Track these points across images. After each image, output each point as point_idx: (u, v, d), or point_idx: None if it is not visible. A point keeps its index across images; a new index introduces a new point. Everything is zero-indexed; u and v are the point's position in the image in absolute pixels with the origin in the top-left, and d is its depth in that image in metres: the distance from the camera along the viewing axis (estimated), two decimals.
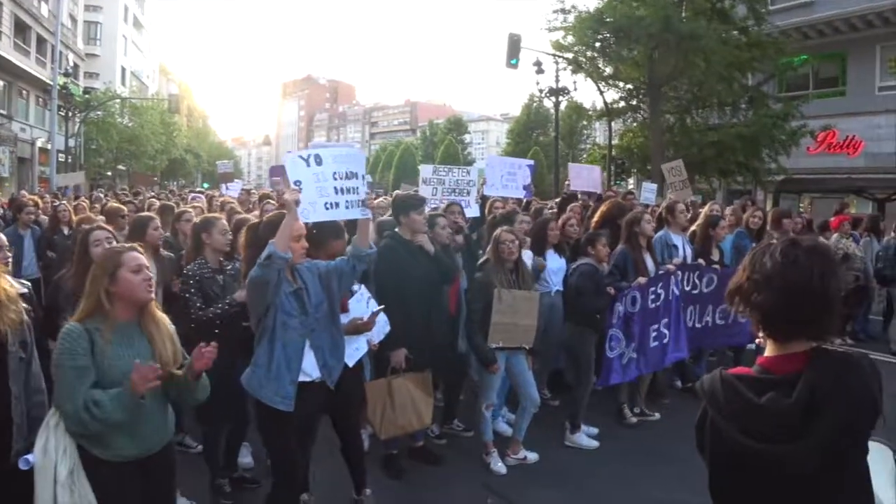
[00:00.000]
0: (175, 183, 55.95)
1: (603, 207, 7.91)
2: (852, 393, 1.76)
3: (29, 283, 4.33)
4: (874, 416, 1.82)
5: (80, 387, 2.87)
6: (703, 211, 8.20)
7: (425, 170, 8.38)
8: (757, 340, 2.05)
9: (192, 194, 15.84)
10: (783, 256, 1.86)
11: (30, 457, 2.91)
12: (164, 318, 3.24)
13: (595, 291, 5.96)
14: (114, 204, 9.66)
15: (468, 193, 8.17)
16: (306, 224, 3.98)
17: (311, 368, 3.93)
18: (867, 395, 1.79)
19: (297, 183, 3.85)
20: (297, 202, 3.72)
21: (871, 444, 1.98)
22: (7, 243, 4.23)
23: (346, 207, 4.06)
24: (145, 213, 6.37)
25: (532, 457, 5.67)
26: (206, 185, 43.93)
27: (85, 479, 2.91)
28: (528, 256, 6.17)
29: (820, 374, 1.78)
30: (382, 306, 4.64)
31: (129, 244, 3.34)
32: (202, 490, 4.95)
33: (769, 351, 1.96)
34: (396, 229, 5.47)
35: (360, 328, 4.53)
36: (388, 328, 4.79)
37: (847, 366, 1.81)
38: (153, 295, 3.15)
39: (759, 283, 1.88)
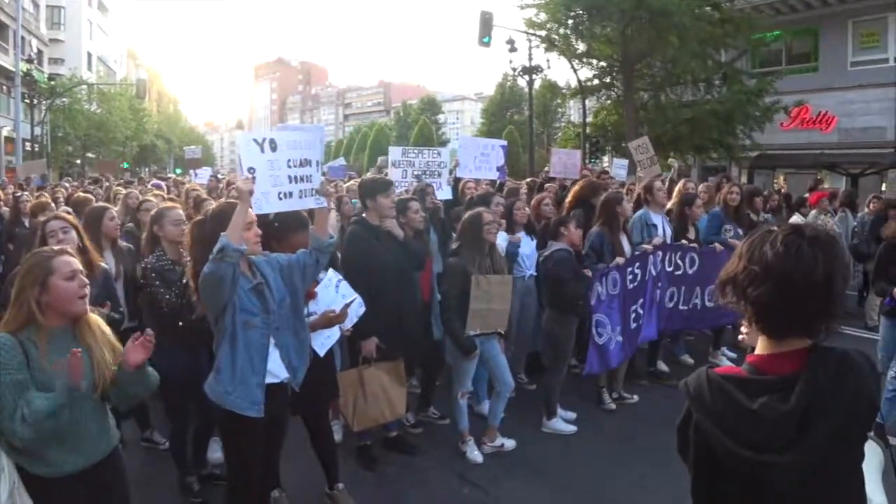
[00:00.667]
0: (146, 169, 55.06)
1: (576, 187, 7.79)
2: (850, 398, 1.67)
3: None
4: (871, 420, 1.76)
5: (19, 401, 2.65)
6: (677, 188, 8.09)
7: (394, 152, 8.19)
8: (740, 337, 1.91)
9: (154, 181, 15.38)
10: (785, 247, 1.70)
11: None
12: (98, 322, 3.01)
13: (574, 278, 5.84)
14: (81, 194, 9.37)
15: (439, 175, 8.00)
16: (267, 216, 3.78)
17: (277, 369, 3.69)
18: (866, 399, 1.70)
19: (251, 170, 3.60)
20: (250, 192, 3.47)
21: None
22: None
23: (301, 197, 3.85)
24: (100, 204, 6.13)
25: (509, 444, 5.56)
26: (178, 171, 43.17)
27: (28, 499, 2.74)
28: (502, 238, 6.02)
29: (818, 378, 1.66)
30: (355, 297, 4.46)
31: (59, 248, 3.07)
32: (171, 487, 4.82)
33: (761, 348, 1.82)
34: (363, 214, 5.29)
35: (332, 320, 4.30)
36: (361, 310, 4.54)
37: (845, 368, 1.69)
38: (87, 307, 2.90)
39: (758, 275, 1.72)
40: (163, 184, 13.49)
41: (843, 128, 22.15)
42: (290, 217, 4.10)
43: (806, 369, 1.68)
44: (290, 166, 3.80)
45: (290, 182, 3.79)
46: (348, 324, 4.45)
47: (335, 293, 4.44)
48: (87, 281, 2.91)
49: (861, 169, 20.82)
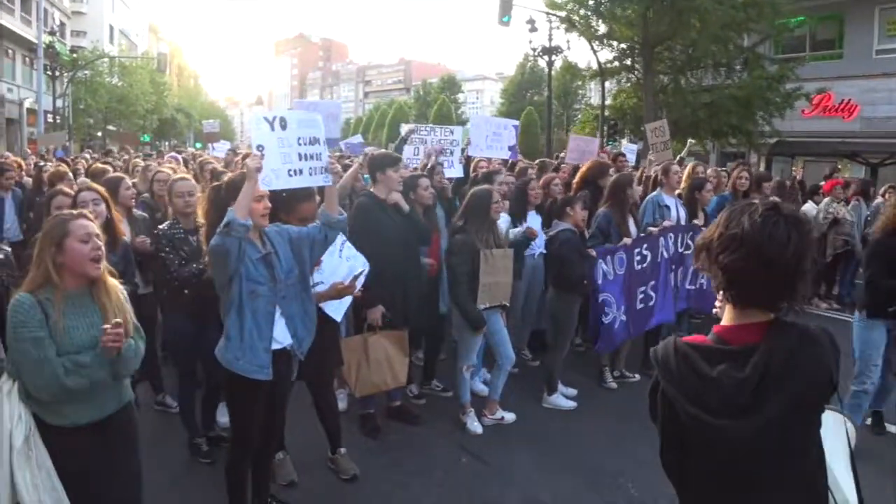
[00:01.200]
0: (166, 143, 55.45)
1: (583, 168, 7.84)
2: (807, 369, 1.74)
3: (8, 249, 4.30)
4: (828, 392, 1.81)
5: (48, 355, 2.82)
6: (686, 172, 8.11)
7: (407, 129, 8.26)
8: (714, 310, 1.98)
9: (171, 153, 15.52)
10: (762, 219, 1.78)
11: None
12: (115, 286, 3.14)
13: (579, 258, 5.92)
14: (98, 165, 9.54)
15: (451, 153, 8.06)
16: (218, 185, 3.90)
17: (282, 336, 3.83)
18: (822, 372, 1.77)
19: (260, 148, 3.70)
20: (258, 169, 3.57)
21: (825, 413, 1.95)
22: None
23: (310, 174, 3.93)
24: (116, 174, 6.28)
25: (509, 417, 5.69)
26: (198, 145, 43.47)
27: (42, 445, 2.89)
28: (503, 220, 6.11)
29: (775, 349, 1.75)
30: (363, 269, 4.58)
31: (78, 212, 3.19)
32: (182, 448, 5.02)
33: (726, 319, 1.91)
34: (372, 188, 5.40)
35: (341, 292, 4.43)
36: (367, 269, 4.63)
37: (804, 340, 1.78)
38: (100, 270, 3.01)
39: (732, 242, 1.80)
40: (179, 156, 13.62)
41: (866, 116, 21.88)
42: (297, 188, 4.21)
43: (764, 341, 1.78)
44: (300, 144, 3.89)
45: (301, 159, 3.88)
46: (359, 285, 4.55)
47: (339, 257, 4.56)
48: (100, 245, 3.01)
49: (881, 158, 20.61)
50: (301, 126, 3.91)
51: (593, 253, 6.05)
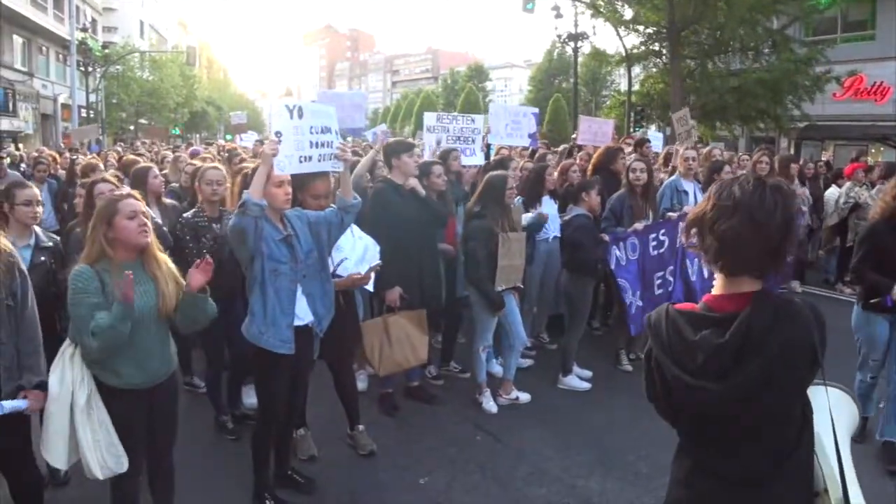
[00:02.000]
0: (197, 136, 56.20)
1: (595, 154, 7.90)
2: (785, 338, 1.80)
3: (57, 237, 4.55)
4: (810, 365, 1.85)
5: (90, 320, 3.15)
6: (703, 154, 8.13)
7: (429, 118, 8.39)
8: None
9: (192, 148, 15.71)
10: (752, 188, 1.88)
11: (5, 403, 3.17)
12: (165, 258, 3.48)
13: (593, 243, 6.02)
14: (130, 156, 9.87)
15: (473, 141, 8.18)
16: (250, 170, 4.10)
17: (303, 313, 4.06)
18: (801, 343, 1.81)
19: (278, 134, 3.91)
20: (273, 153, 3.79)
21: (832, 389, 2.03)
22: (39, 198, 4.38)
23: (319, 160, 4.14)
24: (145, 164, 6.51)
25: (524, 397, 5.83)
26: (228, 137, 44.07)
27: (101, 404, 3.25)
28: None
29: (755, 317, 1.82)
30: (378, 263, 4.79)
31: (126, 192, 3.52)
32: (209, 425, 5.27)
33: (717, 289, 1.99)
34: (388, 174, 5.57)
35: (356, 282, 4.68)
36: (377, 249, 4.92)
37: (785, 311, 1.84)
38: (148, 239, 3.33)
39: (726, 209, 1.88)
40: (201, 150, 13.87)
41: None
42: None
43: (746, 309, 1.84)
44: (312, 132, 4.09)
45: (311, 147, 4.08)
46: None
47: (351, 236, 4.77)
48: (145, 221, 3.33)
49: None
50: (314, 116, 4.12)
51: (606, 238, 6.13)
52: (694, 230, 1.99)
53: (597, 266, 6.09)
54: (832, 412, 2.01)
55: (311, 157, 4.08)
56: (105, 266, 3.24)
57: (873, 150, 21.47)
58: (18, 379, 3.26)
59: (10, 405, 3.17)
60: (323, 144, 4.12)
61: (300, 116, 4.04)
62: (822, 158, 19.38)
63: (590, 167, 7.60)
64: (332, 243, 4.29)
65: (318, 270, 4.15)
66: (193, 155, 10.58)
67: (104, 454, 3.22)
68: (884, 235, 4.76)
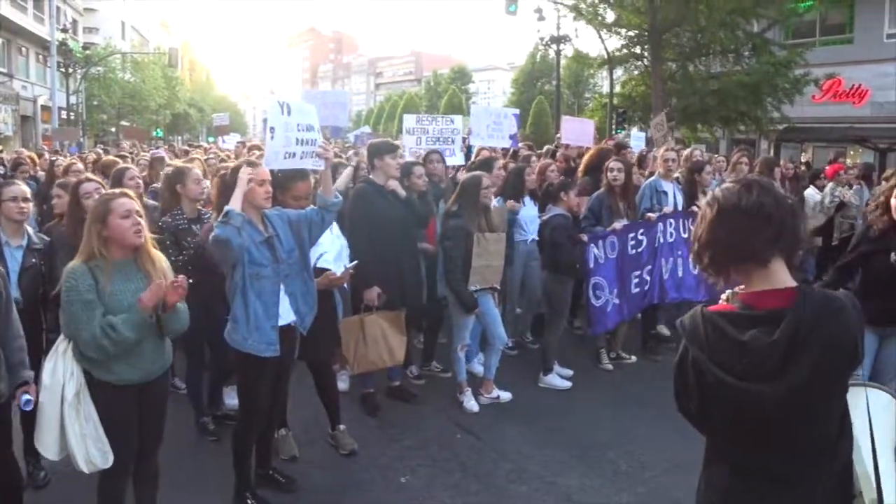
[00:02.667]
0: (179, 138, 55.87)
1: (586, 156, 7.97)
2: (831, 335, 1.79)
3: (47, 238, 4.52)
4: (852, 362, 1.85)
5: (92, 316, 3.20)
6: (684, 155, 8.22)
7: (409, 119, 8.44)
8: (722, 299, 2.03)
9: (153, 151, 15.22)
10: (734, 184, 1.93)
11: (24, 398, 3.31)
12: (159, 256, 3.53)
13: (570, 243, 6.08)
14: (110, 157, 9.82)
15: (452, 142, 8.23)
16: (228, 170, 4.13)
17: (285, 313, 4.08)
18: (846, 339, 1.81)
19: (272, 130, 3.98)
20: (251, 179, 3.82)
21: (873, 391, 2.05)
22: (28, 195, 4.36)
23: (301, 157, 4.19)
24: (122, 165, 6.47)
25: (505, 396, 5.87)
26: (211, 139, 43.85)
27: (90, 399, 3.29)
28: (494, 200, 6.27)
29: (803, 314, 1.80)
30: (355, 262, 4.85)
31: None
32: (190, 426, 5.25)
33: (749, 285, 1.95)
34: (371, 175, 5.59)
35: (333, 283, 4.72)
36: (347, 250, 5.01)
37: (830, 307, 1.82)
38: (142, 239, 3.37)
39: (726, 207, 1.90)
40: (161, 151, 13.57)
41: (877, 101, 21.74)
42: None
43: (793, 305, 1.82)
44: (298, 129, 4.13)
45: (296, 144, 4.13)
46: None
47: (330, 233, 4.80)
48: (139, 220, 3.35)
49: (890, 143, 20.48)
50: (300, 113, 4.19)
51: (584, 238, 6.18)
52: (708, 252, 1.96)
53: (575, 265, 6.14)
54: (871, 414, 2.00)
55: (294, 154, 4.13)
56: (99, 264, 3.28)
57: (852, 152, 21.74)
58: (12, 377, 3.34)
59: (25, 399, 3.33)
60: (306, 142, 4.18)
61: (289, 113, 4.11)
62: (802, 160, 19.68)
63: (581, 168, 7.68)
64: (313, 241, 4.30)
65: (300, 269, 4.17)
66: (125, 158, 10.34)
67: (90, 448, 3.26)
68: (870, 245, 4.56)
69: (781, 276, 1.90)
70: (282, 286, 4.03)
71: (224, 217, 3.68)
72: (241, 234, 3.75)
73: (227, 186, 4.03)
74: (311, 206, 4.30)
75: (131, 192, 3.52)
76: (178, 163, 7.02)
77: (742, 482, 1.98)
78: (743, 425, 1.93)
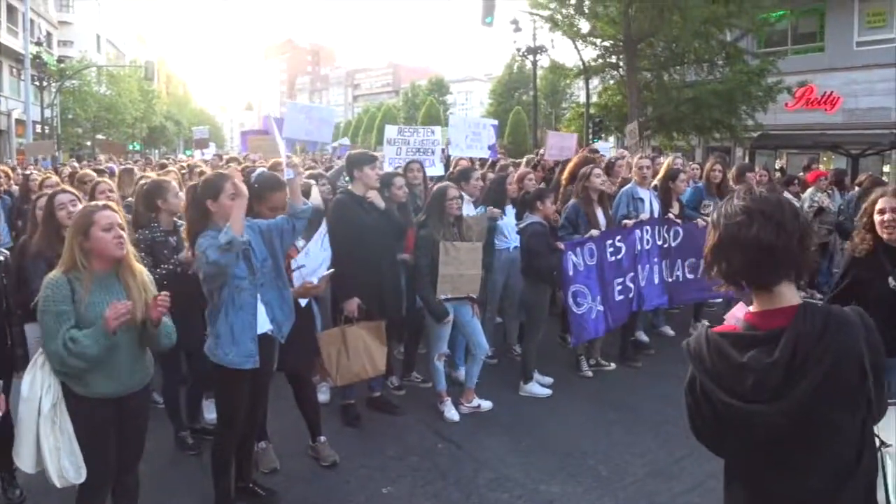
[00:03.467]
0: (156, 151, 55.54)
1: (570, 164, 8.03)
2: (836, 351, 1.75)
3: (7, 252, 4.48)
4: (859, 377, 1.77)
5: (60, 329, 3.18)
6: (664, 163, 8.32)
7: (390, 130, 8.47)
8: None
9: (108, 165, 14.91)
10: (752, 195, 1.89)
11: None
12: (140, 269, 3.51)
13: (548, 250, 6.11)
14: (83, 171, 9.71)
15: (433, 153, 8.28)
16: (248, 179, 4.12)
17: (262, 322, 4.06)
18: (851, 354, 1.76)
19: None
20: (247, 196, 3.83)
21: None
22: None
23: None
24: (97, 179, 6.43)
25: (486, 405, 5.88)
26: (188, 153, 43.58)
27: (66, 413, 3.27)
28: (469, 210, 6.30)
29: (803, 331, 1.77)
30: (332, 270, 4.86)
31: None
32: (169, 441, 5.20)
33: (755, 306, 1.93)
34: (350, 186, 5.60)
35: (309, 291, 4.72)
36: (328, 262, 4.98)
37: (833, 322, 1.78)
38: (124, 251, 3.34)
39: (743, 222, 1.85)
40: (114, 167, 13.32)
41: (848, 108, 22.09)
42: (266, 178, 4.51)
43: (792, 324, 1.79)
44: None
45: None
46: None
47: (320, 247, 4.84)
48: (121, 232, 3.33)
49: (862, 149, 20.82)
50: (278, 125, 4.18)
51: (562, 246, 6.21)
52: (714, 268, 1.95)
53: (552, 273, 6.16)
54: None
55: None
56: (78, 275, 3.27)
57: (825, 158, 22.07)
58: None
59: None
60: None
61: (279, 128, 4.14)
62: (777, 166, 19.96)
63: (565, 176, 7.73)
64: (285, 250, 4.30)
65: (274, 278, 4.16)
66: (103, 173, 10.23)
67: (63, 462, 3.23)
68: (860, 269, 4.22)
69: (787, 296, 1.88)
70: (258, 296, 4.03)
71: (227, 244, 3.61)
72: (239, 257, 3.78)
73: (196, 199, 4.00)
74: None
75: (114, 205, 3.50)
76: (154, 175, 6.98)
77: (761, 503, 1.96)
78: (756, 447, 1.91)
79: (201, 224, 3.89)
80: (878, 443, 1.96)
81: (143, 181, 6.64)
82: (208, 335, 4.04)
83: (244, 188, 3.82)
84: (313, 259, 4.76)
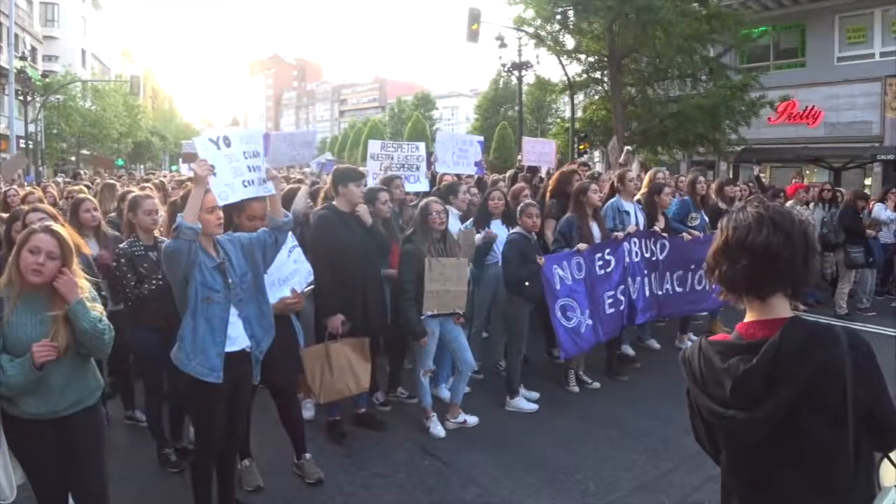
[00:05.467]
0: (142, 166, 55.29)
1: (552, 180, 8.07)
2: (815, 366, 1.75)
3: None
4: (840, 395, 1.74)
5: None
6: (647, 177, 8.38)
7: (373, 145, 8.47)
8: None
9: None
10: (766, 206, 1.90)
11: None
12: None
13: (519, 260, 6.07)
14: (74, 188, 9.68)
15: (417, 168, 8.28)
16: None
17: (240, 338, 4.03)
18: (832, 371, 1.74)
19: (205, 160, 3.89)
20: (206, 173, 3.78)
21: None
22: None
23: (259, 183, 4.18)
24: (79, 196, 6.37)
25: (472, 420, 5.84)
26: (174, 168, 43.40)
27: (1, 432, 3.23)
28: (455, 227, 6.29)
29: (785, 342, 1.78)
30: (312, 286, 4.88)
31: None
32: (152, 459, 5.14)
33: (749, 316, 1.95)
34: (334, 201, 5.57)
35: (287, 307, 4.67)
36: (310, 277, 4.96)
37: (817, 338, 1.79)
38: (38, 279, 3.21)
39: (752, 227, 1.87)
40: (113, 180, 13.24)
41: (830, 122, 22.39)
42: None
43: (776, 336, 1.80)
44: (246, 157, 4.12)
45: (249, 171, 4.12)
46: (298, 288, 4.79)
47: (287, 257, 4.76)
48: (42, 262, 3.20)
49: (843, 163, 21.08)
50: (244, 142, 4.17)
51: (541, 261, 6.18)
52: (716, 273, 1.97)
53: (523, 284, 6.12)
54: None
55: (253, 181, 4.12)
56: (9, 293, 3.22)
57: (807, 171, 22.29)
58: None
59: None
60: (256, 168, 4.15)
61: (227, 145, 4.08)
62: (755, 173, 20.13)
63: (550, 189, 7.77)
64: (268, 263, 4.27)
65: (255, 293, 4.13)
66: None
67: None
68: None
69: (779, 308, 1.89)
70: (235, 311, 3.99)
71: (175, 230, 3.65)
72: (193, 247, 3.72)
73: (178, 213, 3.98)
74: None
75: (59, 228, 3.40)
76: (136, 191, 6.94)
77: None
78: (740, 457, 1.93)
79: None
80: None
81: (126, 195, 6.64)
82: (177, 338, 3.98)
83: (203, 172, 3.77)
84: (276, 269, 4.65)
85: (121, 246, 4.97)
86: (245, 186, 4.09)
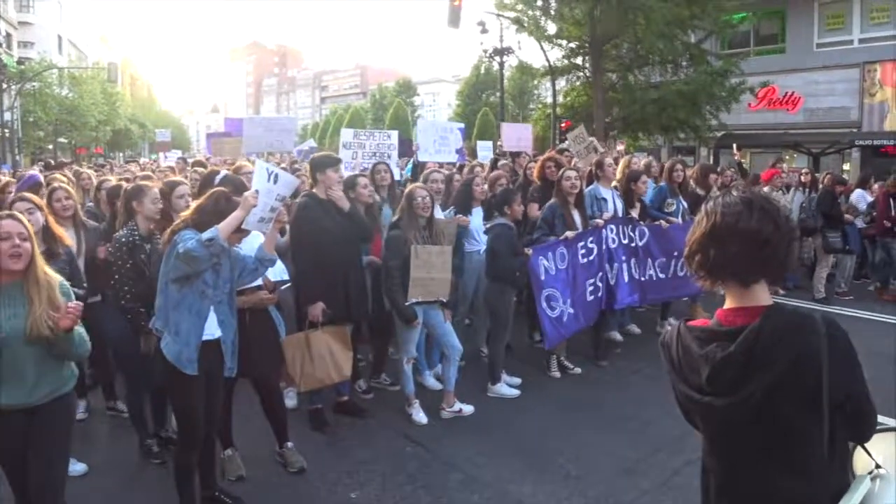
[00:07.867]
0: (120, 154, 54.73)
1: (537, 165, 8.06)
2: (791, 354, 1.76)
3: None
4: (816, 384, 1.75)
5: None
6: (621, 164, 8.40)
7: (346, 134, 8.47)
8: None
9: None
10: (752, 193, 1.92)
11: None
12: (50, 282, 3.33)
13: (510, 252, 6.10)
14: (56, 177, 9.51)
15: (389, 157, 8.26)
16: (223, 193, 4.09)
17: (212, 327, 4.04)
18: (808, 360, 1.76)
19: (256, 192, 3.92)
20: (254, 204, 3.84)
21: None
22: None
23: (268, 223, 4.17)
24: (51, 186, 6.27)
25: (467, 409, 5.83)
26: (153, 156, 42.96)
27: None
28: (440, 213, 6.28)
29: (763, 330, 1.79)
30: (288, 282, 4.90)
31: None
32: (135, 450, 5.13)
33: (729, 303, 1.96)
34: (314, 189, 5.55)
35: (264, 301, 4.68)
36: (285, 275, 4.97)
37: (795, 325, 1.80)
38: (17, 266, 3.20)
39: (740, 213, 1.86)
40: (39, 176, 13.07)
41: (809, 108, 22.61)
42: (231, 180, 4.61)
43: (756, 323, 1.81)
44: (277, 199, 4.13)
45: (269, 211, 4.10)
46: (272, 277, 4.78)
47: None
48: (18, 244, 3.19)
49: (822, 148, 21.30)
50: (285, 186, 4.17)
51: (528, 252, 6.20)
52: (697, 258, 1.95)
53: (514, 275, 6.16)
54: None
55: (265, 219, 4.10)
56: None
57: (787, 157, 22.51)
58: None
59: None
60: (275, 210, 4.15)
61: (275, 182, 4.08)
62: (736, 159, 20.23)
63: (534, 175, 7.79)
64: (240, 282, 4.28)
65: (229, 299, 4.16)
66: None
67: None
68: None
69: (759, 295, 1.90)
70: (212, 310, 4.03)
71: (209, 240, 3.63)
72: (213, 259, 3.78)
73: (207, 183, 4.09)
74: None
75: (19, 215, 3.38)
76: (114, 180, 6.86)
77: (724, 499, 2.00)
78: (717, 440, 1.96)
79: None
80: (872, 464, 1.97)
81: (104, 184, 6.55)
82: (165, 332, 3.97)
83: (253, 203, 3.83)
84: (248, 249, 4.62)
85: (120, 233, 4.86)
86: (259, 222, 4.08)
